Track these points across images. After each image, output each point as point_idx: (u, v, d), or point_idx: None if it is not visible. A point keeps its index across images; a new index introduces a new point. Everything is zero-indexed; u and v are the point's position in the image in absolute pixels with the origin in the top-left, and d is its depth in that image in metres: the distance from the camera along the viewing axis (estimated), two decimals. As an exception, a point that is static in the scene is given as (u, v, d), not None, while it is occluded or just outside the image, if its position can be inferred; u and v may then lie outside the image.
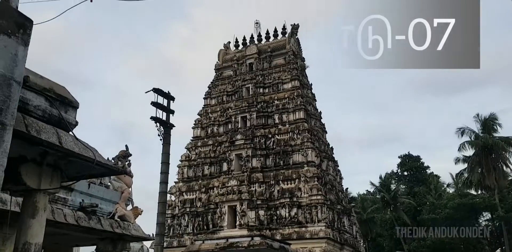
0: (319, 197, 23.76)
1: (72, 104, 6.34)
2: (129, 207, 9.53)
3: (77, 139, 5.41)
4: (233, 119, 28.44)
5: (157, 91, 17.36)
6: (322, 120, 30.27)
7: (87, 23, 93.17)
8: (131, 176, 9.55)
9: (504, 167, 36.54)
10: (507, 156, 36.59)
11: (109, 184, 9.07)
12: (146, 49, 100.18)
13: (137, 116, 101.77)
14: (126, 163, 9.41)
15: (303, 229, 23.44)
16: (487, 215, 40.50)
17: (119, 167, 6.99)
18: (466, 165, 38.87)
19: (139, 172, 9.29)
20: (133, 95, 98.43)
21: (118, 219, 8.46)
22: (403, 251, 41.69)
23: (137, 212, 9.58)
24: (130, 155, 9.60)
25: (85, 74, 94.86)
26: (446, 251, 38.49)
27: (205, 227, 25.63)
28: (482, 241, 37.18)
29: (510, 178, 38.16)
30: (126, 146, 9.59)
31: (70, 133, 5.64)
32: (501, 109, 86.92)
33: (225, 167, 27.07)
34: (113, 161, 7.19)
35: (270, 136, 26.91)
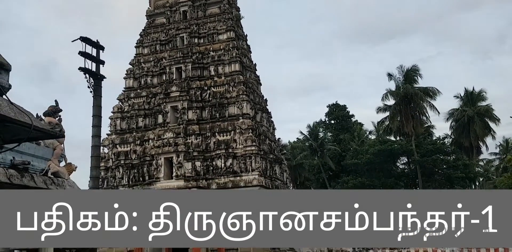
0: (253, 148, 24.64)
1: (4, 67, 5.98)
2: (62, 164, 9.40)
3: (11, 103, 5.20)
4: (167, 70, 27.73)
5: (85, 40, 16.40)
6: (256, 72, 30.51)
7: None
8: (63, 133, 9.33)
9: (421, 116, 39.89)
10: (425, 105, 39.82)
11: (40, 140, 8.81)
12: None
13: (58, 55, 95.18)
14: (57, 119, 9.12)
15: (238, 178, 24.46)
16: (403, 159, 44.63)
17: (57, 131, 6.82)
18: (387, 114, 41.87)
19: (64, 118, 9.04)
20: (54, 35, 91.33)
21: (52, 176, 8.36)
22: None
23: (70, 168, 9.46)
24: (60, 110, 9.28)
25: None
26: (366, 192, 42.33)
27: (140, 179, 25.79)
28: (399, 183, 41.19)
29: (426, 125, 41.85)
30: (56, 101, 9.21)
31: (4, 96, 5.38)
32: (421, 58, 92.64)
33: (160, 119, 26.80)
34: (43, 122, 6.96)
35: (206, 88, 26.79)
